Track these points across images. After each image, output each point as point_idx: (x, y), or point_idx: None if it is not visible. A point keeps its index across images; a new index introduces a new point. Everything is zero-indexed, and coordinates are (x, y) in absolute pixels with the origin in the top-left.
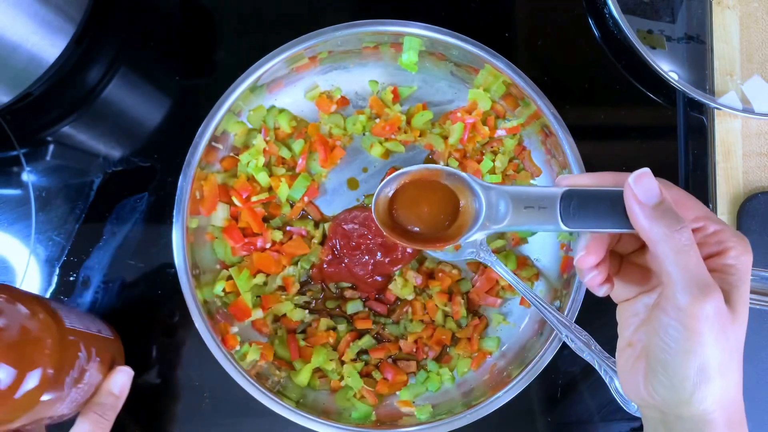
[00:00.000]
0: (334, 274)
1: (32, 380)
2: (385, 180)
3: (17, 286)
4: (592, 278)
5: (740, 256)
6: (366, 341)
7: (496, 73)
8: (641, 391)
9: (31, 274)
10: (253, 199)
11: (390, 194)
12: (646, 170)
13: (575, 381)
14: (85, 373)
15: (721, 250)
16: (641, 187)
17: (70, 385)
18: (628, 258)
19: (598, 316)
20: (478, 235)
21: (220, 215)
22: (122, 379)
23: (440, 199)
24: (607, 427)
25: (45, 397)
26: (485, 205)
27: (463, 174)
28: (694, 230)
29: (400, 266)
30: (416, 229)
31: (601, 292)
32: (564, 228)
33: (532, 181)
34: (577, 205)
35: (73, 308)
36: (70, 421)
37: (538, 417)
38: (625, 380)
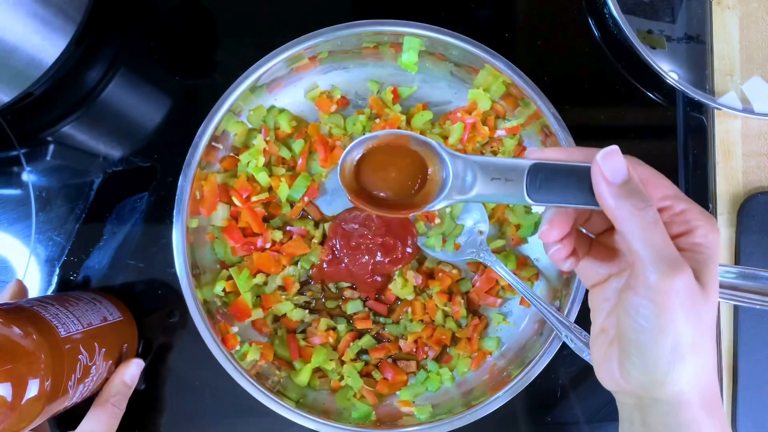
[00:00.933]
0: (334, 274)
1: (32, 393)
2: (352, 143)
3: None
4: (556, 252)
5: (708, 234)
6: (366, 341)
7: (496, 73)
8: (616, 376)
9: (31, 274)
10: (253, 199)
11: (357, 158)
12: (615, 148)
13: (575, 381)
14: (90, 368)
15: (689, 229)
16: (609, 165)
17: (74, 386)
18: (598, 239)
19: None
20: (443, 204)
21: (220, 215)
22: (134, 370)
23: (408, 165)
24: (608, 427)
25: (47, 405)
26: (452, 174)
27: (432, 141)
28: (661, 209)
29: (400, 266)
30: (382, 194)
31: (565, 266)
32: (529, 201)
33: None
34: (544, 179)
35: (78, 301)
36: (86, 407)
37: (538, 417)
38: (599, 367)
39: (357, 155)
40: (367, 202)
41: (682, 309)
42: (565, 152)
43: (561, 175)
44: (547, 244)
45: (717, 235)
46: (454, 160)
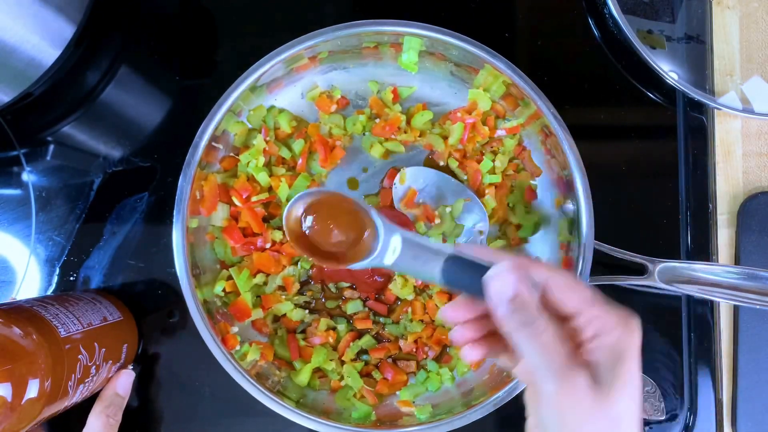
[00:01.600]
0: (334, 274)
1: (32, 393)
2: (296, 196)
3: (17, 286)
4: (457, 332)
5: (620, 335)
6: (366, 341)
7: (496, 73)
8: None
9: (31, 274)
10: (253, 199)
11: (300, 211)
12: (505, 267)
13: None
14: (90, 368)
15: (602, 332)
16: (493, 287)
17: (74, 386)
18: None
19: None
20: (365, 265)
21: (220, 215)
22: (126, 380)
23: (349, 222)
24: None
25: (47, 406)
26: (381, 243)
27: (371, 210)
28: (574, 315)
29: None
30: (322, 245)
31: (468, 356)
32: (440, 283)
33: (532, 182)
34: (458, 268)
35: (78, 301)
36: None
37: None
38: None
39: (299, 209)
40: (306, 249)
41: (579, 414)
42: (488, 253)
43: (471, 269)
44: (447, 322)
45: (633, 335)
46: (387, 232)
